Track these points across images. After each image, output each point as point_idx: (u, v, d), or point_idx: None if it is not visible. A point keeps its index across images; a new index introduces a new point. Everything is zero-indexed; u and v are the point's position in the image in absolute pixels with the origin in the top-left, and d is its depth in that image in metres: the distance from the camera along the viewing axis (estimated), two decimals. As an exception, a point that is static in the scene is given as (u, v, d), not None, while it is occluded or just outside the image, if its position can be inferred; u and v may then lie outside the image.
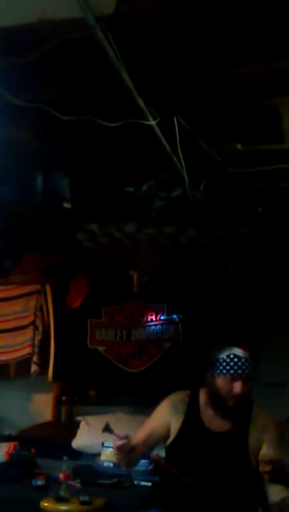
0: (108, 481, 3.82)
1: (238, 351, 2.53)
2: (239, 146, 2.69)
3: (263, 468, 2.44)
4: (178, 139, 2.44)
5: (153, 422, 2.71)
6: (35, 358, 5.21)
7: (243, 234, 3.56)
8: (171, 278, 4.87)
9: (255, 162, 2.84)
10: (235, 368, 2.49)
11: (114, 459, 4.19)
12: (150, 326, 5.12)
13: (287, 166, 2.82)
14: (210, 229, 3.52)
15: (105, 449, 4.29)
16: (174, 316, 5.06)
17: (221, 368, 2.51)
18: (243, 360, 2.51)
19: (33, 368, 5.20)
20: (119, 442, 2.48)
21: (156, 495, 2.61)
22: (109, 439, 4.39)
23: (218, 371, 2.52)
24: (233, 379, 2.50)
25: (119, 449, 2.50)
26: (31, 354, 5.22)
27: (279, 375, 4.70)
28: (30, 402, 5.45)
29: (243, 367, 2.50)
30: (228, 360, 2.51)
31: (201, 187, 3.01)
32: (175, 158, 2.58)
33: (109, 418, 4.81)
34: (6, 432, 4.96)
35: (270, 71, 2.11)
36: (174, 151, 2.53)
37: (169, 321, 5.08)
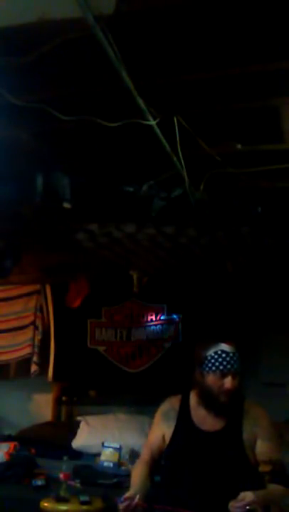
0: (108, 481, 3.82)
1: (225, 347, 2.53)
2: (239, 146, 2.69)
3: (263, 468, 2.43)
4: (178, 139, 2.44)
5: (151, 436, 2.74)
6: (35, 358, 5.21)
7: (243, 234, 3.56)
8: (171, 278, 4.87)
9: (255, 162, 2.84)
10: (224, 363, 2.50)
11: (114, 459, 4.22)
12: (150, 326, 5.11)
13: (287, 166, 2.82)
14: (210, 229, 3.52)
15: (105, 449, 4.28)
16: (174, 316, 5.06)
17: (209, 365, 2.52)
18: (231, 355, 2.52)
19: (33, 368, 5.20)
20: (123, 505, 2.45)
21: (157, 495, 2.60)
22: (109, 439, 4.42)
23: (207, 369, 2.52)
24: (223, 375, 2.50)
25: (124, 511, 2.48)
26: (31, 354, 5.22)
27: (279, 375, 4.70)
28: (30, 402, 5.45)
29: (232, 361, 2.51)
30: (216, 356, 2.51)
31: (201, 187, 3.01)
32: (175, 158, 2.58)
33: (109, 418, 4.84)
34: (6, 432, 4.96)
35: (270, 71, 2.11)
36: (174, 151, 2.53)
37: (169, 321, 5.08)
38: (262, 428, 2.56)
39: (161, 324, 5.10)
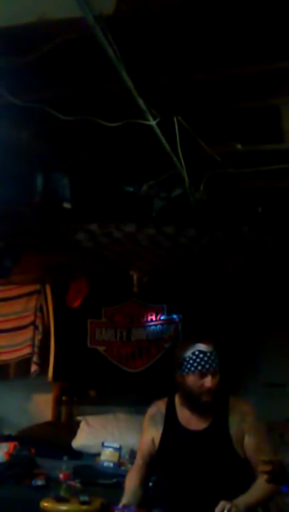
0: (108, 481, 3.82)
1: (202, 346, 2.56)
2: (239, 146, 2.69)
3: (263, 468, 2.44)
4: (178, 139, 2.44)
5: (141, 442, 2.78)
6: (35, 358, 5.20)
7: (243, 234, 3.56)
8: (171, 278, 4.87)
9: (255, 162, 2.84)
10: (202, 363, 2.53)
11: (114, 459, 4.22)
12: (150, 326, 5.11)
13: (287, 166, 2.82)
14: (210, 229, 3.52)
15: (105, 449, 4.29)
16: (174, 316, 5.06)
17: (188, 366, 2.55)
18: (209, 354, 2.55)
19: (33, 368, 5.20)
20: None
21: (153, 496, 2.62)
22: (109, 439, 4.42)
23: (186, 370, 2.55)
24: (202, 375, 2.54)
25: None
26: (31, 354, 5.22)
27: (279, 375, 4.70)
28: (30, 402, 5.44)
29: (210, 361, 2.54)
30: (193, 357, 2.54)
31: (201, 187, 3.01)
32: (175, 158, 2.58)
33: (109, 418, 4.84)
34: (6, 432, 4.96)
35: (270, 71, 2.11)
36: (174, 151, 2.53)
37: (169, 321, 5.08)
38: (248, 424, 2.59)
39: (161, 324, 5.09)
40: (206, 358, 2.53)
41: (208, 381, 2.53)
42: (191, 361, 2.54)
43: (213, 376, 2.54)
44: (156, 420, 2.70)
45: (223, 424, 2.57)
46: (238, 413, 2.59)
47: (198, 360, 2.53)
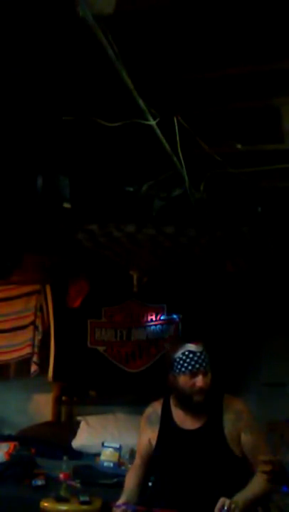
0: (108, 481, 3.82)
1: (192, 347, 2.58)
2: (239, 146, 2.69)
3: (263, 468, 2.44)
4: (178, 138, 2.45)
5: (138, 443, 2.80)
6: (35, 358, 5.20)
7: (243, 234, 3.56)
8: (170, 278, 4.87)
9: (255, 162, 2.84)
10: (192, 363, 2.55)
11: (114, 458, 4.22)
12: (150, 326, 5.11)
13: (287, 166, 2.82)
14: (210, 229, 3.52)
15: (105, 449, 4.29)
16: (174, 316, 5.06)
17: (179, 366, 2.57)
18: (198, 354, 2.57)
19: (33, 368, 5.19)
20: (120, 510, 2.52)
21: (152, 495, 2.63)
22: (109, 439, 4.42)
23: (177, 370, 2.58)
24: (193, 374, 2.55)
25: None
26: (31, 354, 5.21)
27: (279, 375, 4.70)
28: (30, 402, 5.44)
29: (200, 361, 2.56)
30: (184, 357, 2.57)
31: (201, 187, 3.01)
32: (175, 158, 2.58)
33: (109, 418, 4.84)
34: (6, 432, 4.95)
35: (270, 71, 2.11)
36: (174, 151, 2.53)
37: (169, 321, 5.08)
38: (244, 422, 2.60)
39: (161, 324, 5.09)
40: (196, 358, 2.55)
41: (199, 381, 2.55)
42: (181, 361, 2.56)
43: (204, 376, 2.56)
44: (152, 421, 2.72)
45: (217, 423, 2.58)
46: (233, 412, 2.61)
47: (188, 360, 2.55)
